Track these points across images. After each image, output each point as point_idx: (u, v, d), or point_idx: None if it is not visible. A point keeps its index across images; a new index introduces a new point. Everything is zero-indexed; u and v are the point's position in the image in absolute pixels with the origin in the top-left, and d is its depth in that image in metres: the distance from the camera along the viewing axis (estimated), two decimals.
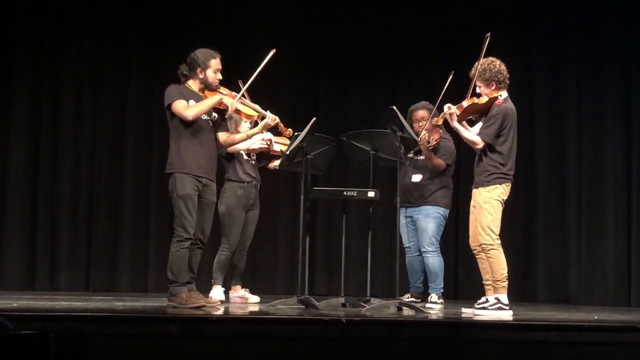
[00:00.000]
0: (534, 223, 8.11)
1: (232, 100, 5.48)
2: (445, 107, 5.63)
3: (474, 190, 5.67)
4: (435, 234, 6.51)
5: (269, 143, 6.38)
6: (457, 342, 4.47)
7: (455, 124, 5.60)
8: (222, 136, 5.77)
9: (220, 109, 5.55)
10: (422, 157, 6.54)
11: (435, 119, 5.79)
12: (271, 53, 5.70)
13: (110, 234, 8.26)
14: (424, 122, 6.43)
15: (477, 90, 5.69)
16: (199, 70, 5.47)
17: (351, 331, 4.37)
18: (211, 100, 5.43)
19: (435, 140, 6.30)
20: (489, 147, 5.58)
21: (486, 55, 5.66)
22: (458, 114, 5.60)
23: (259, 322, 4.64)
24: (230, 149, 6.31)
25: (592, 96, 7.91)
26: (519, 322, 4.91)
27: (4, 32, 8.22)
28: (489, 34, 5.63)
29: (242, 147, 6.33)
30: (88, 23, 8.36)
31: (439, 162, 6.50)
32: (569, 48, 8.07)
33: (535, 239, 8.09)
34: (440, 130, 6.40)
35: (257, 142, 6.36)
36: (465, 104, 5.64)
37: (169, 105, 5.37)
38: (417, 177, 6.55)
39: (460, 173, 8.07)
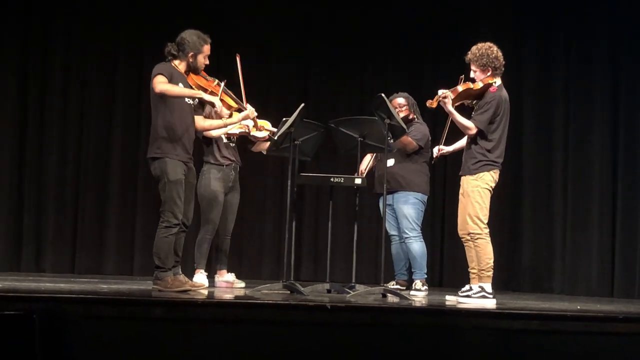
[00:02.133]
0: (519, 213, 8.15)
1: (217, 99, 5.41)
2: (440, 91, 5.64)
3: (462, 178, 5.69)
4: (415, 219, 6.53)
5: (247, 130, 6.38)
6: (440, 329, 4.49)
7: (449, 107, 5.60)
8: (200, 121, 5.72)
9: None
10: (395, 141, 6.52)
11: (431, 100, 5.76)
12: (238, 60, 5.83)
13: (96, 217, 8.24)
14: (401, 109, 6.53)
15: (472, 75, 5.70)
16: (191, 53, 5.44)
17: (335, 317, 4.39)
18: (191, 92, 5.38)
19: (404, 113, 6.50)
20: (480, 134, 5.60)
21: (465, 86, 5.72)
22: (452, 97, 5.61)
23: (244, 307, 4.65)
24: (206, 134, 6.31)
25: (580, 87, 7.93)
26: (502, 311, 4.94)
27: None
28: (462, 76, 5.72)
29: (218, 132, 6.32)
30: (77, 4, 8.31)
31: (409, 139, 6.51)
32: (558, 36, 8.07)
33: (520, 229, 8.12)
34: (413, 114, 6.59)
35: (236, 126, 6.35)
36: (460, 88, 5.65)
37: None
38: (390, 162, 6.54)
39: (448, 161, 8.11)
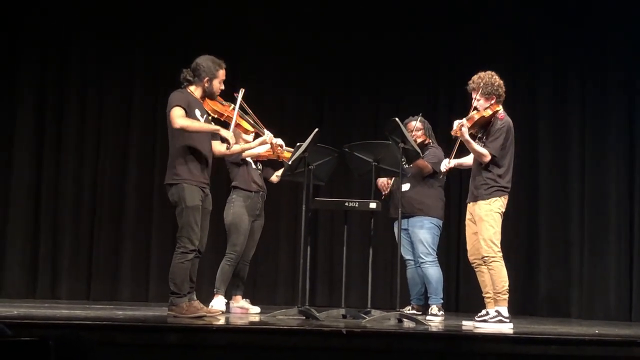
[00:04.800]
0: (536, 237, 8.10)
1: (231, 134, 5.40)
2: (456, 122, 5.64)
3: (471, 204, 5.70)
4: (431, 244, 6.50)
5: (281, 148, 6.34)
6: (457, 354, 4.47)
7: (467, 136, 5.62)
8: (217, 146, 5.71)
9: (219, 119, 5.55)
10: (410, 166, 6.52)
11: (454, 129, 5.77)
12: (241, 92, 5.77)
13: (111, 244, 8.26)
14: (416, 133, 6.54)
15: (475, 104, 5.71)
16: (206, 78, 5.46)
17: (351, 342, 4.37)
18: (210, 127, 5.40)
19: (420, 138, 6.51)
20: (492, 160, 5.61)
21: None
22: (469, 126, 5.63)
23: (259, 333, 4.64)
24: (245, 154, 6.28)
25: (596, 112, 7.92)
26: (519, 336, 4.91)
27: (9, 44, 8.25)
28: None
29: (255, 152, 6.30)
30: (93, 31, 8.39)
31: (424, 163, 6.50)
32: (573, 63, 8.09)
33: (537, 253, 8.08)
34: (429, 139, 6.61)
35: (267, 146, 6.31)
36: (476, 116, 5.67)
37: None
38: (405, 186, 6.54)
39: (463, 186, 8.10)
